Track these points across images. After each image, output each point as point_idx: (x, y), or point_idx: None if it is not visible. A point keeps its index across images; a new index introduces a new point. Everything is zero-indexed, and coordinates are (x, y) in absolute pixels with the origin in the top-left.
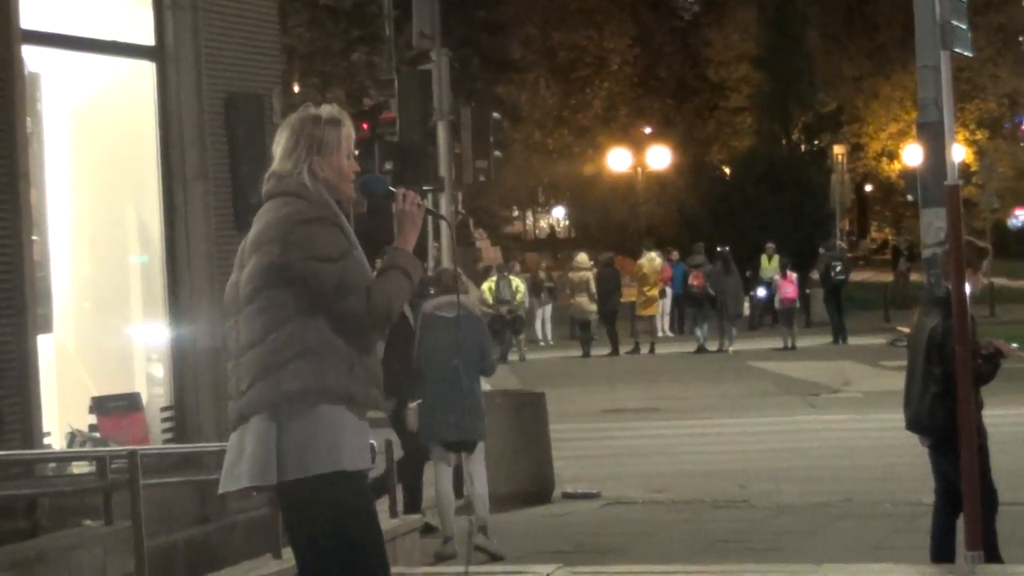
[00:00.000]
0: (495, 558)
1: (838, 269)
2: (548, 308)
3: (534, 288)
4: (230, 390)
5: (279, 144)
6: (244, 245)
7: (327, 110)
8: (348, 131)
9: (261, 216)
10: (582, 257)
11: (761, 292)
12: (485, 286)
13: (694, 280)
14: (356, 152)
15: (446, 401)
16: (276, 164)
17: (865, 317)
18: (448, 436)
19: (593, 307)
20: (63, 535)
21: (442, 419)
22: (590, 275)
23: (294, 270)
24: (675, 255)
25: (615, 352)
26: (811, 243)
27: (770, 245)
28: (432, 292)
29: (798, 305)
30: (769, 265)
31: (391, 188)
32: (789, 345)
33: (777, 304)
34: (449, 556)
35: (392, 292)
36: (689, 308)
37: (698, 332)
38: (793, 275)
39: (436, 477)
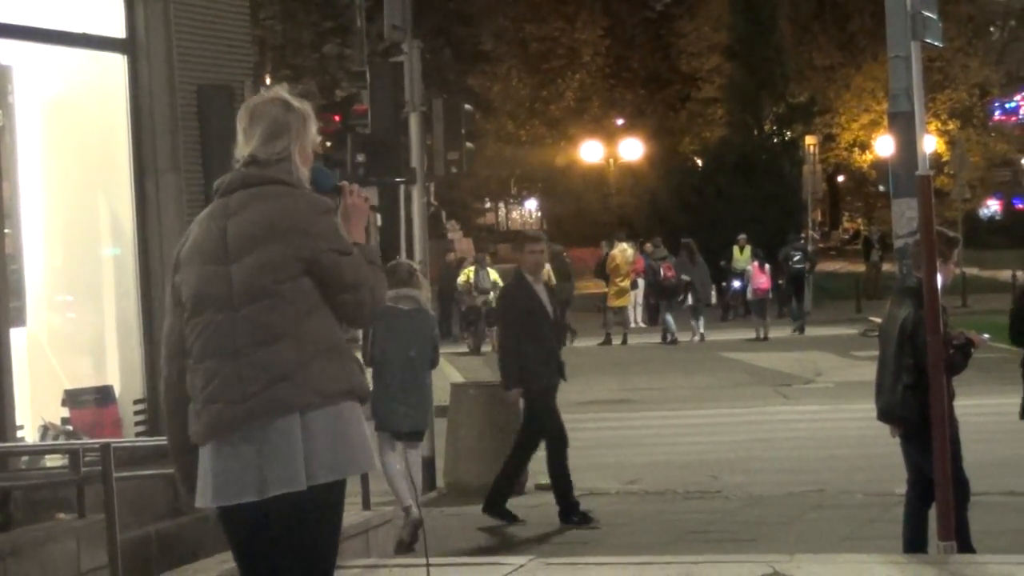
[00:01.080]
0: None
1: (796, 259)
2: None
3: None
4: (210, 392)
5: (255, 130)
6: (220, 236)
7: (298, 102)
8: (315, 126)
9: (254, 205)
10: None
11: (736, 284)
12: (462, 276)
13: (667, 272)
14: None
15: (403, 391)
16: (255, 149)
17: (837, 307)
18: (402, 426)
19: None
20: (36, 528)
21: (396, 408)
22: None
23: (319, 262)
24: (648, 247)
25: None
26: (783, 234)
27: (742, 236)
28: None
29: (771, 296)
30: (741, 256)
31: (337, 184)
32: (762, 336)
33: (749, 295)
34: (412, 541)
35: (382, 287)
36: (663, 300)
37: (669, 322)
38: (766, 266)
39: (383, 461)
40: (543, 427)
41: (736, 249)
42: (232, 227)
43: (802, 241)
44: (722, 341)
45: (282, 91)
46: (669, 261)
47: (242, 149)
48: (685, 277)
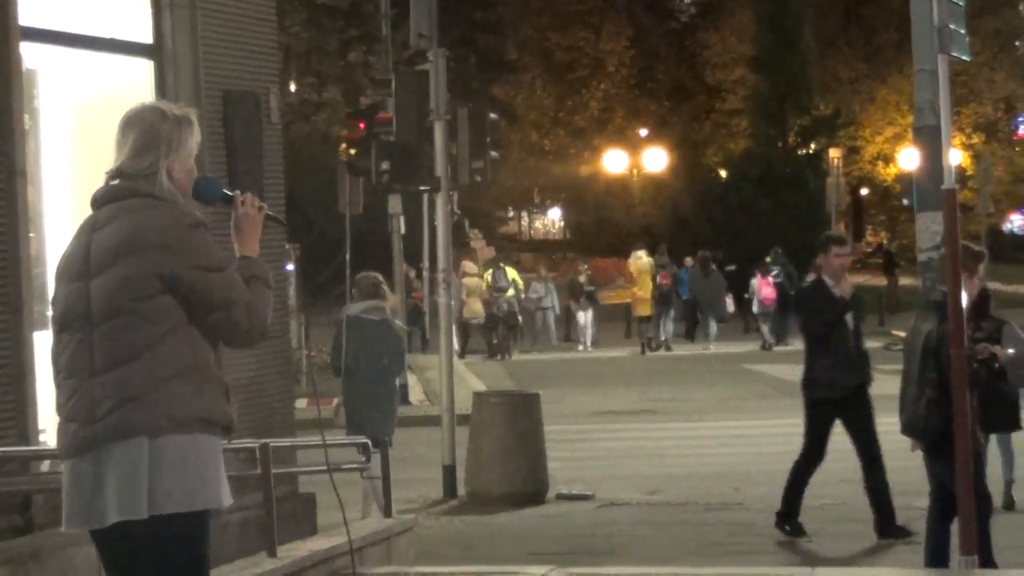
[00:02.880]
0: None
1: (774, 273)
2: (590, 312)
3: (572, 292)
4: (69, 410)
5: (127, 141)
6: (85, 251)
7: (178, 109)
8: (195, 131)
9: (119, 219)
10: (470, 264)
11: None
12: (483, 276)
13: (662, 280)
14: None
15: (375, 399)
16: (123, 162)
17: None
18: (376, 432)
19: (481, 311)
20: (57, 532)
21: (368, 415)
22: (481, 281)
23: (182, 280)
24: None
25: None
26: (806, 246)
27: (776, 249)
28: (354, 296)
29: (775, 306)
30: None
31: (227, 192)
32: (766, 346)
33: (755, 307)
34: None
35: (264, 305)
36: (657, 307)
37: (664, 330)
38: (770, 277)
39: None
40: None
41: (769, 260)
42: (95, 242)
43: (784, 259)
44: (743, 352)
45: (164, 105)
46: (668, 270)
47: (115, 159)
48: (684, 295)
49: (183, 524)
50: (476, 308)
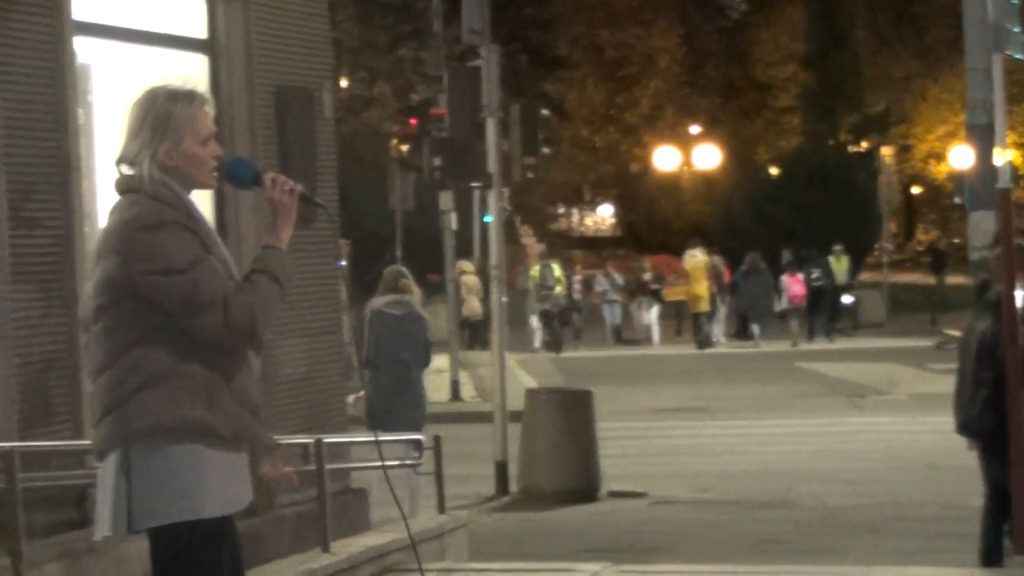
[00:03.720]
0: None
1: (814, 275)
2: (655, 310)
3: (639, 289)
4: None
5: (125, 123)
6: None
7: (178, 85)
8: (200, 110)
9: (109, 217)
10: (467, 264)
11: (847, 299)
12: (531, 273)
13: (722, 278)
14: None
15: (396, 392)
16: (121, 147)
17: (912, 319)
18: (395, 425)
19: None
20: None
21: (390, 408)
22: (477, 279)
23: (137, 285)
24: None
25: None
26: (858, 245)
27: (838, 247)
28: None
29: (805, 304)
30: (839, 266)
31: (259, 173)
32: (795, 345)
33: (785, 303)
34: None
35: (256, 304)
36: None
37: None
38: (799, 275)
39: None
40: None
41: (833, 259)
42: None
43: (823, 259)
44: (797, 352)
45: (169, 83)
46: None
47: None
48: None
49: (168, 538)
50: (475, 306)
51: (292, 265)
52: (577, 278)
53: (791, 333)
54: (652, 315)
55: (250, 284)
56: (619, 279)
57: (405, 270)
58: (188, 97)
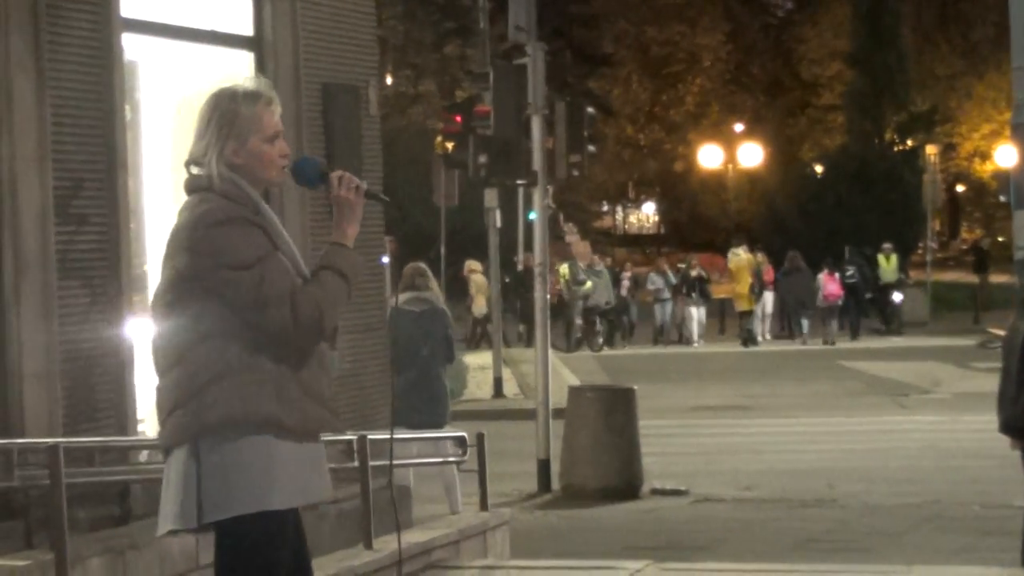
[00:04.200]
0: None
1: (849, 273)
2: (703, 308)
3: (685, 286)
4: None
5: (193, 125)
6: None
7: (243, 84)
8: (265, 108)
9: (178, 216)
10: (475, 263)
11: (896, 297)
12: (561, 269)
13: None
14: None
15: (416, 389)
16: (190, 149)
17: (955, 318)
18: (414, 421)
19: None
20: (156, 522)
21: (411, 404)
22: (484, 278)
23: (206, 281)
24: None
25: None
26: (904, 243)
27: (887, 245)
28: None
29: (840, 303)
30: (888, 266)
31: (325, 171)
32: (830, 342)
33: (820, 302)
34: None
35: (322, 299)
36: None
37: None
38: (836, 273)
39: None
40: None
41: (882, 258)
42: None
43: (859, 257)
44: (842, 350)
45: (238, 82)
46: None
47: None
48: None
49: (235, 529)
50: (482, 304)
51: (359, 261)
52: (627, 275)
53: (828, 332)
54: (700, 312)
55: (317, 280)
56: (672, 277)
57: (424, 267)
58: (252, 96)
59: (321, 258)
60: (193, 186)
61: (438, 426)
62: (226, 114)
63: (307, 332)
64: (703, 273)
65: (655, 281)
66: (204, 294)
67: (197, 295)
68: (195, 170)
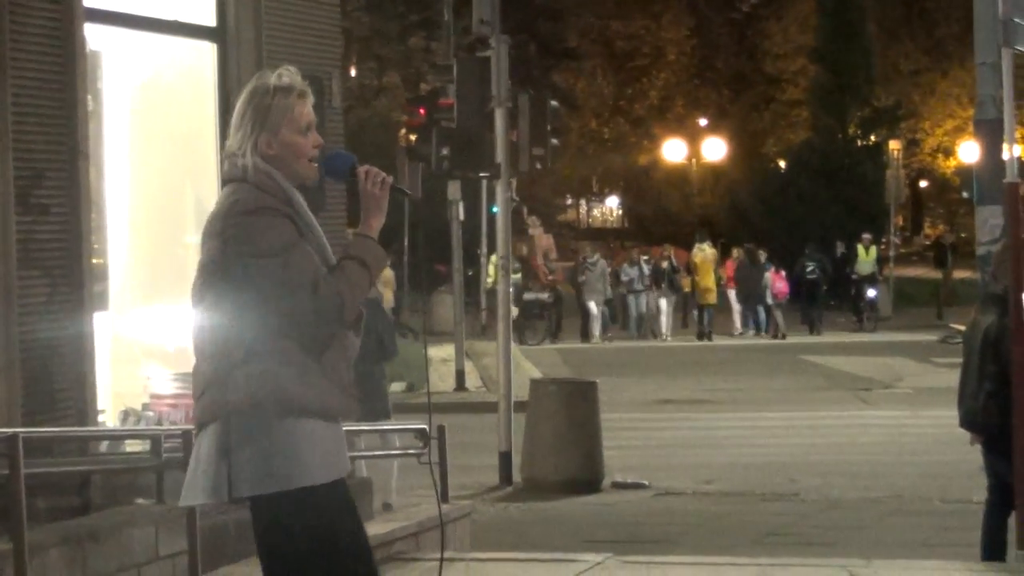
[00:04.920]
0: None
1: (809, 269)
2: (672, 299)
3: (655, 278)
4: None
5: (232, 121)
6: None
7: (279, 76)
8: (298, 100)
9: (216, 205)
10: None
11: (871, 292)
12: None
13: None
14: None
15: (356, 383)
16: (228, 142)
17: (917, 313)
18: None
19: None
20: (115, 512)
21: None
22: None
23: (233, 267)
24: (734, 253)
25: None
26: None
27: (866, 236)
28: None
29: (785, 301)
30: (867, 257)
31: (354, 165)
32: (781, 336)
33: (769, 299)
34: None
35: (345, 287)
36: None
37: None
38: (783, 271)
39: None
40: None
41: (861, 249)
42: None
43: (818, 254)
44: (802, 344)
45: (271, 74)
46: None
47: None
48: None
49: (274, 505)
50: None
51: (382, 253)
52: (608, 270)
53: (776, 326)
54: (668, 305)
55: (340, 269)
56: (647, 269)
57: None
58: (285, 89)
59: (346, 248)
60: (229, 176)
61: (385, 417)
62: (260, 107)
63: (329, 318)
64: (674, 263)
65: (628, 273)
66: (232, 280)
67: (227, 280)
68: (226, 164)
